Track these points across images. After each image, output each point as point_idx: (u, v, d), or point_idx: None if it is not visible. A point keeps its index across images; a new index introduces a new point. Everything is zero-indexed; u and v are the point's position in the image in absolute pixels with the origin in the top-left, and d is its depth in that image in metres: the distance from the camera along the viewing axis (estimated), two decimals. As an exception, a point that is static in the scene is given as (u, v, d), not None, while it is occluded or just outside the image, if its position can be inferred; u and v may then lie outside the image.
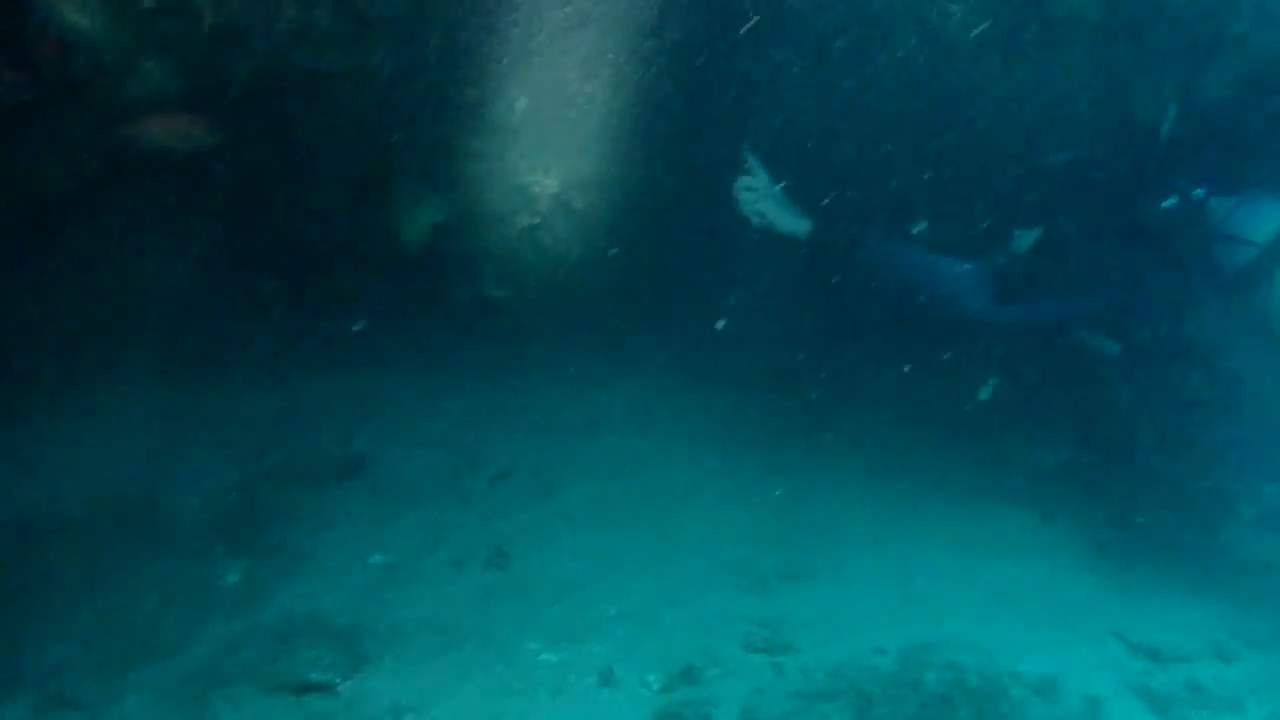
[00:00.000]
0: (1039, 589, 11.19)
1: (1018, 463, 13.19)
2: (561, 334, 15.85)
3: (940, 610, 10.34)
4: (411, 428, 14.21)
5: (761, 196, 10.70)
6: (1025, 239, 10.21)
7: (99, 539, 10.49)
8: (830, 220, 10.67)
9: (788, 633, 9.75)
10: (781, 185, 11.01)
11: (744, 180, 10.70)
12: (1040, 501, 12.96)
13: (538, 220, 14.09)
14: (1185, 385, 11.51)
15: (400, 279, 14.45)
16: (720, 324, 12.61)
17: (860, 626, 10.04)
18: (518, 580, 10.76)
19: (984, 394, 12.41)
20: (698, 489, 12.55)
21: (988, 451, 13.42)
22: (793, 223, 10.64)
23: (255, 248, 13.41)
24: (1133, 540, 12.19)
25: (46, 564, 10.02)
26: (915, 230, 11.48)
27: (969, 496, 12.89)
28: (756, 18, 10.80)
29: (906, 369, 13.53)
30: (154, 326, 13.00)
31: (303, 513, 11.83)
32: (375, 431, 13.93)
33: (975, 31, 10.57)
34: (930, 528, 12.20)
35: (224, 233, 12.99)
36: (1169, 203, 9.40)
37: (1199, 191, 9.32)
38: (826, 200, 11.12)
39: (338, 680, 9.07)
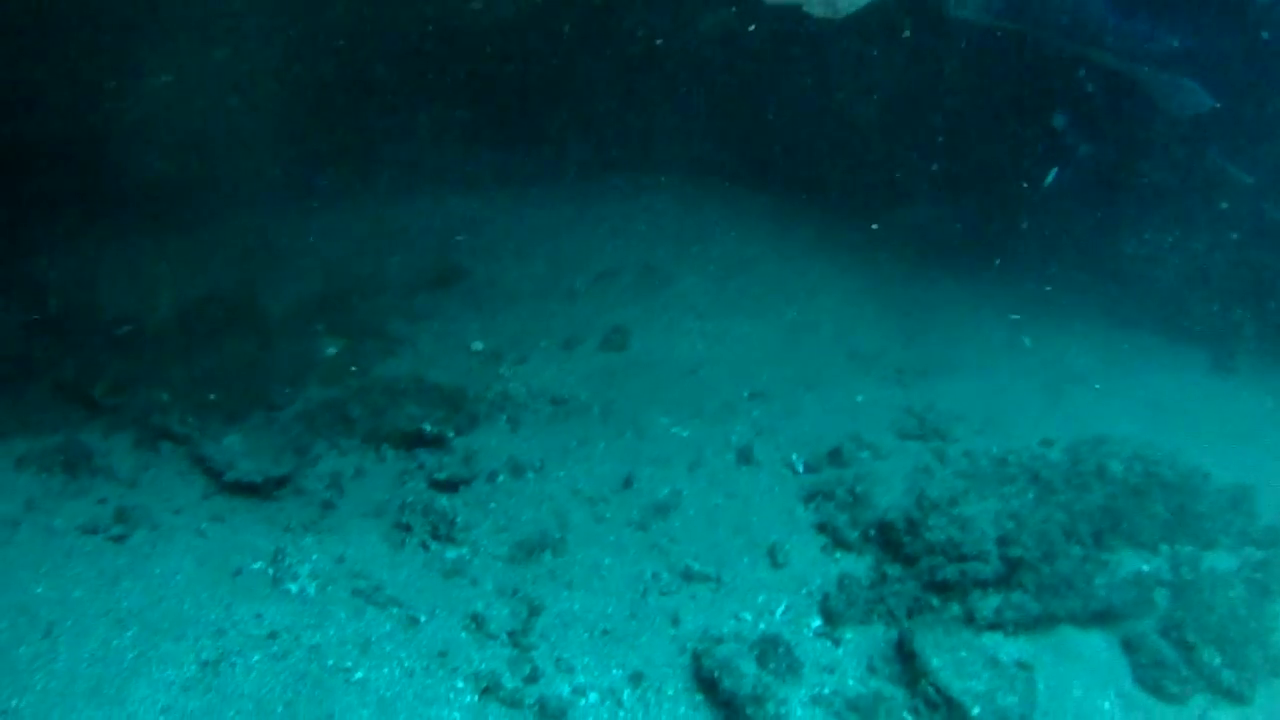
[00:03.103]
0: (1211, 405, 10.03)
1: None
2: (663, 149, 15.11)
3: (1101, 414, 9.26)
4: (508, 241, 13.42)
5: None
6: None
7: (198, 328, 10.16)
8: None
9: (939, 422, 8.63)
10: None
11: None
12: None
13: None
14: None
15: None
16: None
17: (1015, 422, 9.07)
18: (638, 359, 9.82)
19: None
20: (821, 288, 11.46)
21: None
22: None
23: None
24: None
25: (149, 344, 9.73)
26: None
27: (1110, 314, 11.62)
28: None
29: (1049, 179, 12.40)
30: (245, 152, 12.55)
31: (400, 311, 11.13)
32: (471, 246, 13.19)
33: None
34: (1076, 341, 11.00)
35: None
36: None
37: None
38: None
39: (451, 434, 8.10)
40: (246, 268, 11.85)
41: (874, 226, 13.77)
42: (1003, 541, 7.18)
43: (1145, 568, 7.38)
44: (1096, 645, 6.87)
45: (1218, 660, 6.67)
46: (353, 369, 9.74)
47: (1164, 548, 7.61)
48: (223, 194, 12.66)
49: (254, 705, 5.55)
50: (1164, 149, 11.83)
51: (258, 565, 6.73)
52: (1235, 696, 6.58)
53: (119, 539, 6.83)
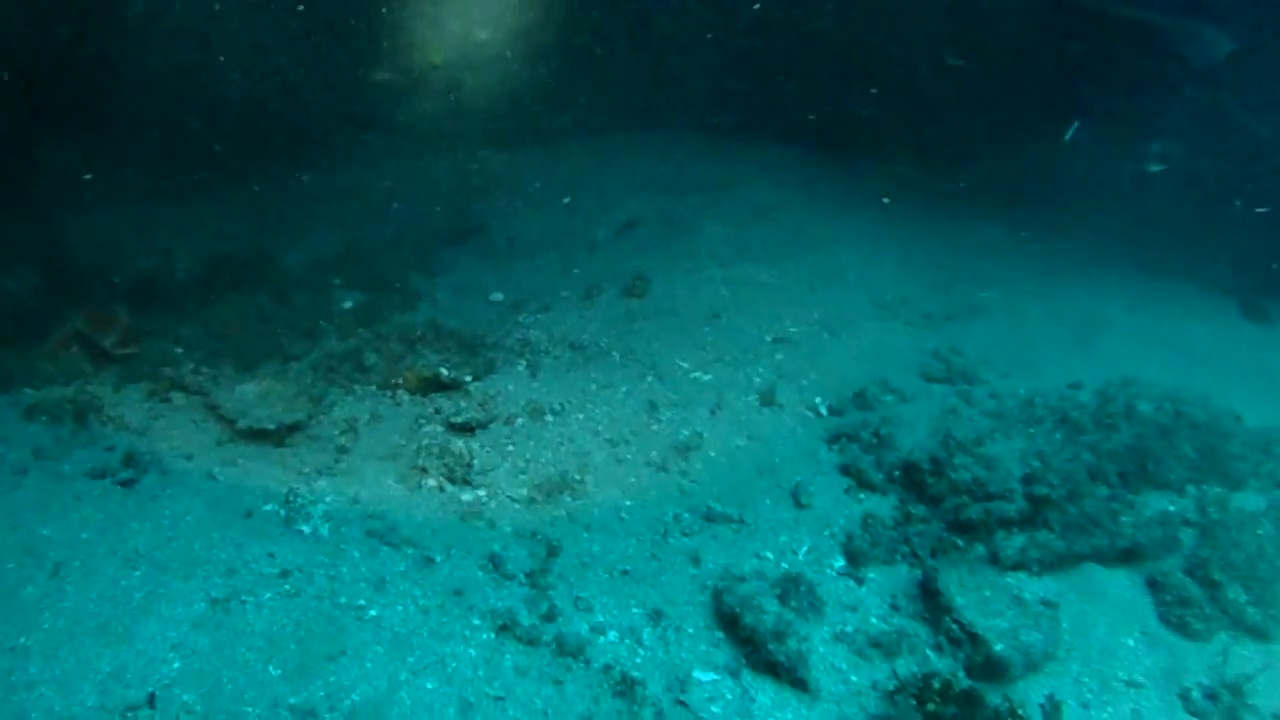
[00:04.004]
0: (1239, 352, 9.84)
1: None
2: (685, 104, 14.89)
3: (1131, 359, 9.08)
4: (527, 196, 13.30)
5: None
6: None
7: (215, 285, 10.01)
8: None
9: (966, 366, 8.47)
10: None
11: None
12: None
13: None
14: None
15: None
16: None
17: (1043, 365, 8.93)
18: (659, 305, 9.65)
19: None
20: (844, 237, 11.25)
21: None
22: None
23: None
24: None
25: (163, 295, 9.66)
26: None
27: (1138, 268, 11.45)
28: None
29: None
30: (264, 111, 12.43)
31: (417, 265, 11.07)
32: (489, 200, 13.10)
33: None
34: (1104, 288, 10.82)
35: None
36: None
37: None
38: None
39: (468, 378, 7.97)
40: (265, 225, 11.71)
41: (897, 173, 13.60)
42: (1028, 480, 7.05)
43: (1172, 507, 7.24)
44: (1121, 584, 6.75)
45: (1244, 598, 6.56)
46: (372, 320, 9.58)
47: (1191, 488, 7.46)
48: (244, 153, 12.49)
49: (265, 642, 5.47)
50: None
51: (269, 507, 6.64)
52: (1259, 633, 6.50)
53: (128, 483, 6.76)
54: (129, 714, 4.93)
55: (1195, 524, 7.24)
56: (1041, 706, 5.45)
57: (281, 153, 13.12)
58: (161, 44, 11.59)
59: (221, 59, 12.04)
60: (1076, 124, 11.91)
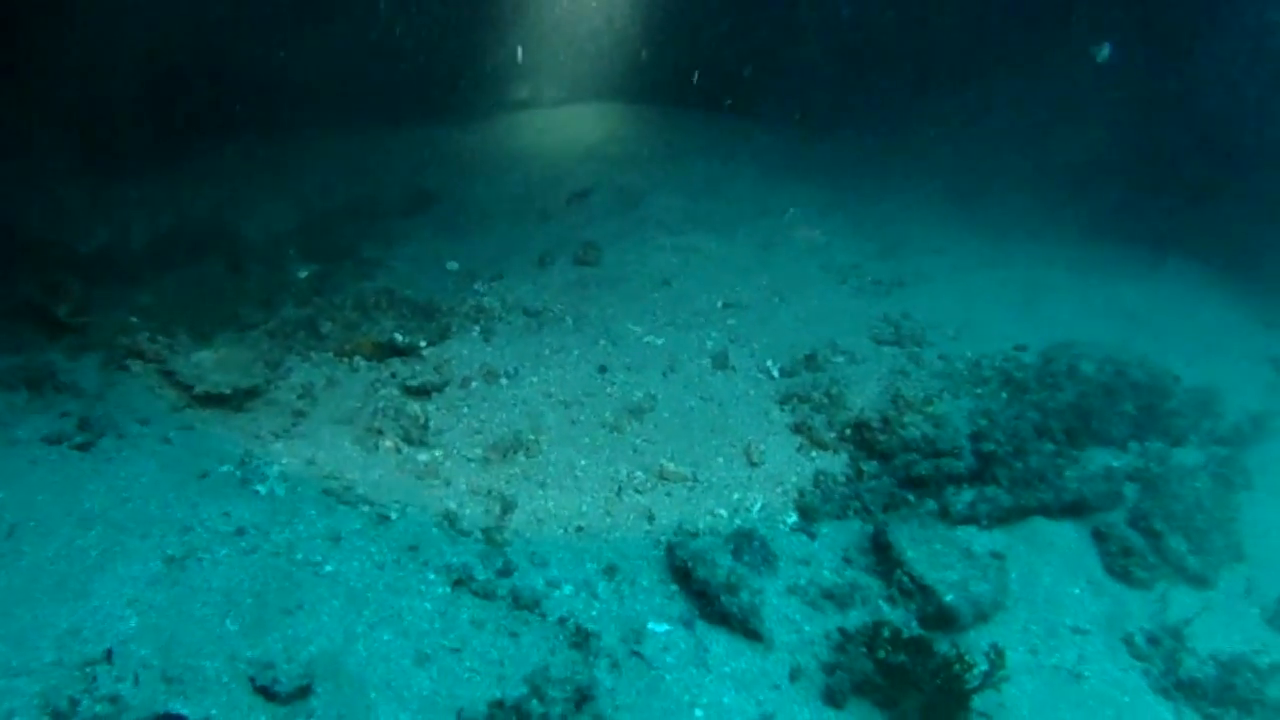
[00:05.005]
0: (1176, 313, 10.07)
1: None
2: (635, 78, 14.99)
3: (1072, 321, 9.27)
4: (480, 167, 13.37)
5: None
6: None
7: (170, 256, 10.04)
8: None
9: (915, 329, 8.62)
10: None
11: None
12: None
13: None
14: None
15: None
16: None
17: (990, 328, 9.08)
18: (610, 273, 9.72)
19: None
20: (796, 205, 11.34)
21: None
22: None
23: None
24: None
25: (120, 267, 9.69)
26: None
27: (1081, 233, 11.68)
28: None
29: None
30: (222, 82, 12.51)
31: (373, 236, 11.04)
32: (443, 172, 13.12)
33: None
34: (1048, 255, 11.04)
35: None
36: None
37: None
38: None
39: (423, 343, 8.01)
40: (222, 198, 11.67)
41: (846, 141, 13.79)
42: (976, 438, 7.19)
43: (1116, 463, 7.42)
44: (1068, 535, 6.92)
45: (1184, 547, 6.77)
46: (327, 289, 9.58)
47: (1134, 444, 7.65)
48: (201, 128, 12.51)
49: (222, 597, 5.50)
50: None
51: (226, 468, 6.66)
52: (1199, 580, 6.71)
53: (83, 447, 6.73)
54: (86, 669, 4.93)
55: (1138, 478, 7.41)
56: (986, 654, 5.55)
57: (238, 126, 13.12)
58: (113, 17, 11.49)
59: (174, 31, 11.94)
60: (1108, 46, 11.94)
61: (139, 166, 12.00)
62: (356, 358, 8.27)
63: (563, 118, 15.13)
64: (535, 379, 8.04)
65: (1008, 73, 13.94)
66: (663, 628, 5.86)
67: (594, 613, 5.92)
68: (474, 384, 7.90)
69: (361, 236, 11.01)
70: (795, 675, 5.74)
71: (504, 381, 7.98)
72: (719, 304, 9.27)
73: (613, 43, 15.31)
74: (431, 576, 5.95)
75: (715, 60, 14.71)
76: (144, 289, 9.34)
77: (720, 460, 7.34)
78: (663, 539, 6.46)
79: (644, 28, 14.90)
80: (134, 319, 8.66)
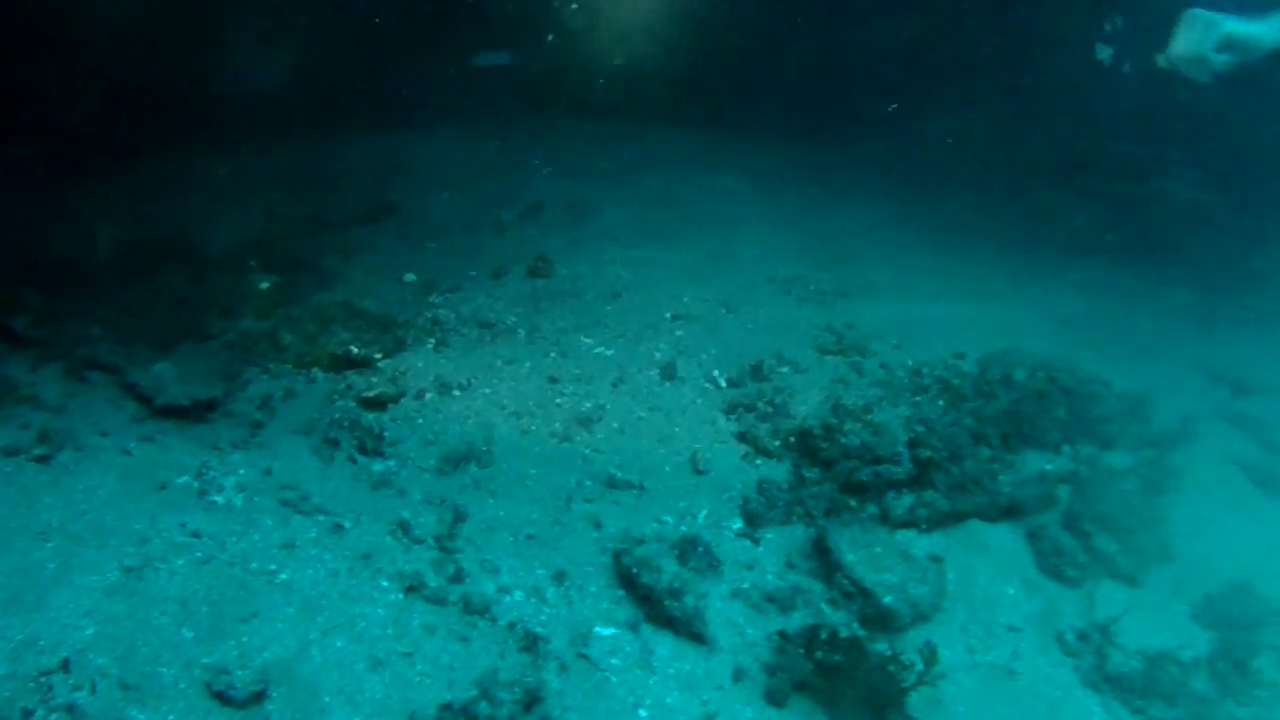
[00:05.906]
0: (1113, 322, 10.43)
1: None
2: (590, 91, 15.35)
3: (1013, 330, 9.60)
4: (439, 178, 13.50)
5: None
6: None
7: (130, 267, 10.01)
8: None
9: (858, 339, 8.90)
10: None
11: None
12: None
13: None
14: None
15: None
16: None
17: (932, 337, 9.36)
18: (563, 285, 9.94)
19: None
20: (741, 218, 11.66)
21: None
22: None
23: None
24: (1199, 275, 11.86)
25: (81, 278, 9.56)
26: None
27: (1020, 242, 12.05)
28: None
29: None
30: (190, 95, 12.69)
31: (333, 247, 11.12)
32: (402, 183, 13.24)
33: None
34: (989, 264, 11.40)
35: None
36: None
37: None
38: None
39: (378, 355, 8.21)
40: (181, 209, 11.73)
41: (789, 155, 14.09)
42: (914, 444, 7.44)
43: (1049, 466, 7.71)
44: (1003, 537, 7.19)
45: (1113, 547, 7.06)
46: (287, 301, 9.72)
47: (1066, 448, 7.95)
48: (160, 138, 12.59)
49: (179, 606, 5.65)
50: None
51: (183, 480, 6.80)
52: (1128, 579, 7.00)
53: (42, 459, 6.84)
54: (42, 679, 5.06)
55: (1070, 481, 7.73)
56: (920, 652, 5.81)
57: (200, 136, 13.21)
58: (73, 23, 11.55)
59: (137, 40, 12.03)
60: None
61: (100, 177, 12.01)
62: (314, 369, 8.42)
63: (519, 131, 15.28)
64: (488, 390, 8.24)
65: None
66: (609, 631, 6.08)
67: (543, 617, 6.12)
68: (428, 395, 8.08)
69: (322, 247, 11.11)
70: (738, 676, 5.97)
71: (457, 393, 8.17)
72: (668, 315, 9.54)
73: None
74: (385, 583, 6.13)
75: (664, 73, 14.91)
76: (105, 300, 9.39)
77: (667, 469, 7.56)
78: (609, 546, 6.66)
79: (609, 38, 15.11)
80: (96, 330, 8.74)
